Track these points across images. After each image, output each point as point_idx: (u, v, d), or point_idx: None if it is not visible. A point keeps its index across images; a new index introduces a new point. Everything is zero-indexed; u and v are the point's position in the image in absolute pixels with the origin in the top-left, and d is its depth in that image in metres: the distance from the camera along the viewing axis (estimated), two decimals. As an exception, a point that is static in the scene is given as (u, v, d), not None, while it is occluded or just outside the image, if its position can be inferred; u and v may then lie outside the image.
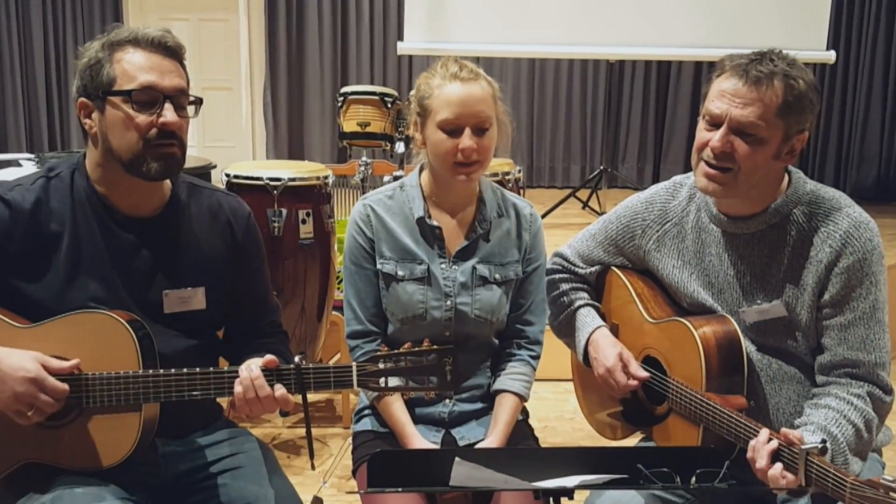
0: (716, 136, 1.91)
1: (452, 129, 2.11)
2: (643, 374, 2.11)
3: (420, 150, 2.24)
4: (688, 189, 2.17)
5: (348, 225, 2.28)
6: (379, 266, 2.23)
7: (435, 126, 2.13)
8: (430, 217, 2.23)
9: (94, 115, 1.90)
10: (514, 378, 2.27)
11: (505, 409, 2.22)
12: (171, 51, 1.92)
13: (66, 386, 1.80)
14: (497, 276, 2.24)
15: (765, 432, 1.77)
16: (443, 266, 2.23)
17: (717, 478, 1.58)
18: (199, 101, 1.99)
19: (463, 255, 2.24)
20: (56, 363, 1.81)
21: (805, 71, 1.91)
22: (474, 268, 2.23)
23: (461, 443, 2.21)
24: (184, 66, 1.96)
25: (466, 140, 2.10)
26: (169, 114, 1.88)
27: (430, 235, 2.23)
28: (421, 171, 2.28)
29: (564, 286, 2.35)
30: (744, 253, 2.04)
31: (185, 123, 1.93)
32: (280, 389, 1.86)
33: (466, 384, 2.26)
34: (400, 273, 2.21)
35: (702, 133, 1.96)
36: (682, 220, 2.15)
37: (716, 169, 1.93)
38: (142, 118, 1.86)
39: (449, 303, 2.21)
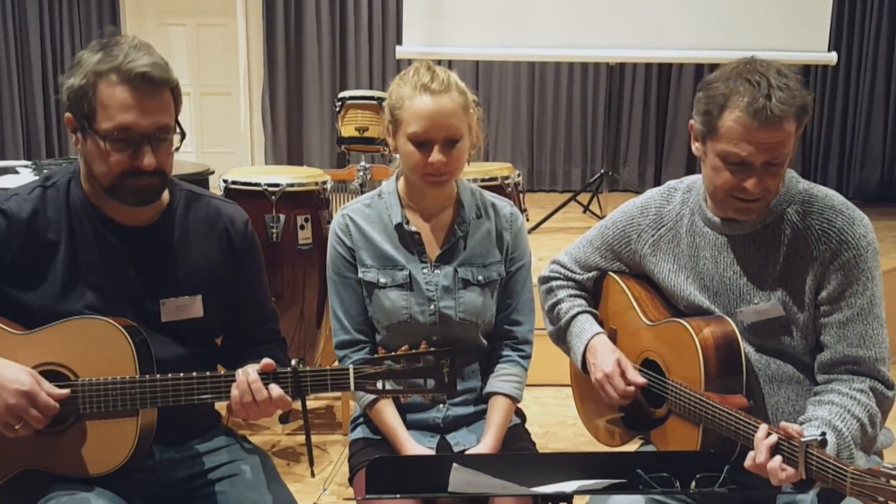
0: (752, 182, 1.89)
1: (422, 141, 2.10)
2: (641, 380, 2.10)
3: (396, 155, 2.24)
4: (682, 194, 2.18)
5: (329, 236, 2.28)
6: (361, 275, 2.22)
7: (405, 138, 2.12)
8: (408, 223, 2.22)
9: (78, 135, 1.89)
10: (504, 380, 2.26)
11: (497, 412, 2.21)
12: (157, 83, 1.85)
13: (56, 404, 1.80)
14: (480, 277, 2.23)
15: (763, 427, 1.78)
16: (424, 271, 2.22)
17: (717, 482, 1.57)
18: (182, 135, 1.95)
19: (444, 259, 2.23)
20: (48, 386, 1.80)
21: (796, 75, 1.90)
22: (456, 271, 2.23)
23: (456, 448, 2.20)
24: (173, 91, 1.90)
25: (436, 154, 2.09)
26: (146, 157, 1.84)
27: (410, 241, 2.22)
28: (398, 177, 2.28)
29: (562, 293, 2.34)
30: (739, 254, 2.04)
31: (166, 158, 1.90)
32: (277, 390, 1.85)
33: (458, 388, 2.24)
34: (382, 280, 2.20)
35: (724, 174, 1.93)
36: (677, 224, 2.15)
37: (752, 202, 1.94)
38: (117, 157, 1.84)
39: (432, 307, 2.21)
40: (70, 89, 1.87)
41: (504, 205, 2.32)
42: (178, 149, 1.94)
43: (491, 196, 2.33)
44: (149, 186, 1.89)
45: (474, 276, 2.23)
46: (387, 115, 2.20)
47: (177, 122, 1.91)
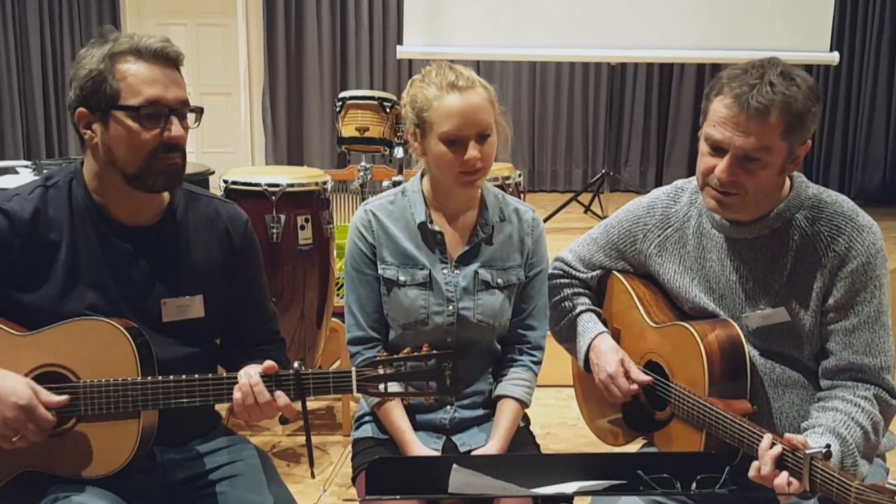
0: (721, 167, 1.89)
1: (455, 139, 2.09)
2: (644, 378, 2.10)
3: (420, 158, 2.23)
4: (689, 194, 2.16)
5: (350, 231, 2.27)
6: (380, 271, 2.21)
7: (437, 139, 2.11)
8: (431, 222, 2.21)
9: (96, 126, 1.88)
10: (515, 384, 2.25)
11: (506, 415, 2.21)
12: (173, 60, 1.90)
13: (54, 418, 1.79)
14: (499, 280, 2.23)
15: (768, 437, 1.76)
16: (444, 271, 2.22)
17: (718, 483, 1.57)
18: (200, 111, 1.98)
19: (465, 260, 2.23)
20: (46, 396, 1.79)
21: (803, 80, 1.88)
22: (476, 272, 2.22)
23: (462, 449, 2.20)
24: (181, 74, 1.95)
25: (472, 151, 2.08)
26: (175, 128, 1.87)
27: (432, 240, 2.22)
28: (422, 176, 2.27)
29: (566, 291, 2.33)
30: (746, 258, 2.03)
31: (186, 134, 1.93)
32: (283, 397, 1.85)
33: (468, 390, 2.25)
34: (401, 278, 2.20)
35: (705, 158, 1.94)
36: (684, 225, 2.14)
37: (723, 194, 1.93)
38: (148, 133, 1.85)
39: (451, 308, 2.20)
40: (87, 76, 1.86)
41: (526, 210, 2.31)
42: (197, 125, 1.97)
43: (514, 201, 2.32)
44: (175, 166, 1.90)
45: (494, 279, 2.23)
46: (411, 119, 2.17)
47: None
